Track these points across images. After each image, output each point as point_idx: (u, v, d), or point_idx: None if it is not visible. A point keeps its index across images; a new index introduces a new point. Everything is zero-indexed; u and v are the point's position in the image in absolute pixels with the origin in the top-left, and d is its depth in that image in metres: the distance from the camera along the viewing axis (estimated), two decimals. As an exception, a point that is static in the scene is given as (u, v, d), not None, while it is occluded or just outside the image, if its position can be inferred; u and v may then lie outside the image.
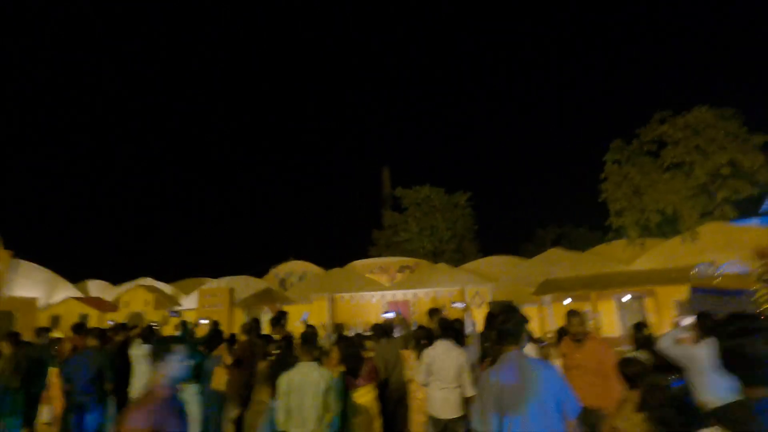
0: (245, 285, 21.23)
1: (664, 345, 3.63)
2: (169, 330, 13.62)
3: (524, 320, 2.37)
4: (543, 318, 16.34)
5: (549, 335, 9.91)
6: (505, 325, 2.29)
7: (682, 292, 14.07)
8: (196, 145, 78.09)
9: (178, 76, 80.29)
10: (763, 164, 15.62)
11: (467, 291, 18.69)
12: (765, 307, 5.49)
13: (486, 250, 25.01)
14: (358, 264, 21.78)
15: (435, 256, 24.98)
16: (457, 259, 24.16)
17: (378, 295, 19.58)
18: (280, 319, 4.61)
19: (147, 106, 77.50)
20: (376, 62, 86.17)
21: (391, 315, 7.17)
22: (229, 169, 76.49)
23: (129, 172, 70.59)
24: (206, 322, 7.35)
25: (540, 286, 16.87)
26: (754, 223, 16.75)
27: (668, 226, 17.87)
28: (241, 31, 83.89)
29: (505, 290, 18.34)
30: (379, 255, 25.18)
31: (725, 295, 6.11)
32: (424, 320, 6.54)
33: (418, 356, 4.20)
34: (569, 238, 28.34)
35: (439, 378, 3.70)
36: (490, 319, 3.99)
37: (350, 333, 8.66)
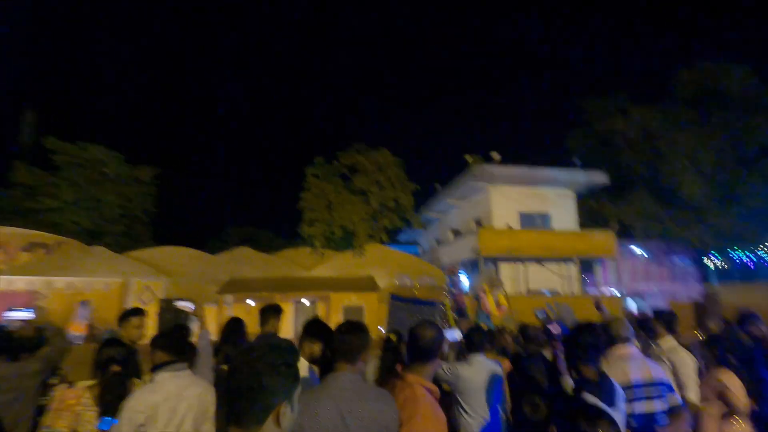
0: None
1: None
2: None
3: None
4: (222, 318, 15.07)
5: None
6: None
7: (350, 298, 16.15)
8: None
9: None
10: (412, 205, 20.39)
11: (133, 284, 15.11)
12: (450, 314, 6.38)
13: (163, 239, 21.45)
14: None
15: (93, 237, 19.31)
16: (124, 245, 19.54)
17: (-23, 279, 13.03)
18: None
19: None
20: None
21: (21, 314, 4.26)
22: None
23: None
24: None
25: (225, 285, 15.59)
26: (395, 248, 21.74)
27: (343, 241, 20.54)
28: None
29: (184, 286, 15.95)
30: (-6, 223, 17.05)
31: (420, 304, 6.83)
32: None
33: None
34: (256, 239, 28.42)
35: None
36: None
37: None
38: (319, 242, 19.12)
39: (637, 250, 18.83)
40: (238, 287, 15.49)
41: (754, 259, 17.86)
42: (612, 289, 17.59)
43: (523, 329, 4.00)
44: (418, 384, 1.93)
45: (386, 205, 20.35)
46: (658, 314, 3.67)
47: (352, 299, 15.87)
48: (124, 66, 64.36)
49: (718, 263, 19.43)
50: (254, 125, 75.50)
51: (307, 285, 16.31)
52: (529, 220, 17.56)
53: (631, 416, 2.31)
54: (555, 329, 4.98)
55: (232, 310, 15.60)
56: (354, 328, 2.06)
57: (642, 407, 2.37)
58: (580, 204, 18.27)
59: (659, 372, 2.49)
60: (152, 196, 23.76)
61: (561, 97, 63.74)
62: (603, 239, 16.61)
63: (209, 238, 28.93)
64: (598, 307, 5.98)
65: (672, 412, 2.40)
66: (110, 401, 2.46)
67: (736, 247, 17.61)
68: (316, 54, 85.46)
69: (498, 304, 5.75)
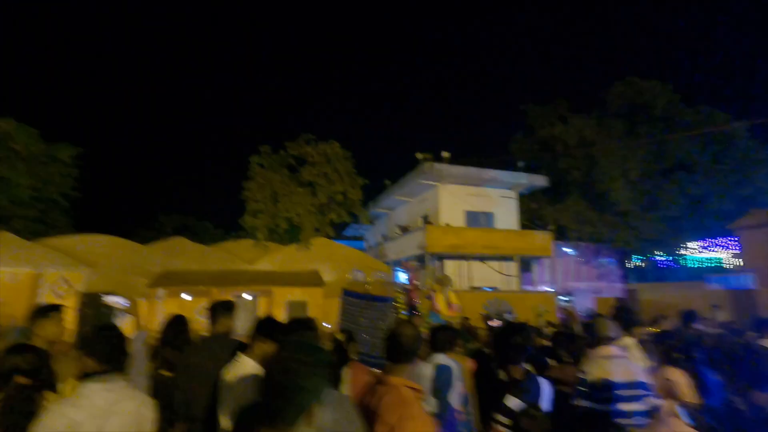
0: None
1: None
2: None
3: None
4: (153, 313, 13.93)
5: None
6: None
7: (293, 293, 15.62)
8: None
9: None
10: (360, 199, 20.16)
11: (47, 275, 13.50)
12: (401, 311, 6.27)
13: (85, 227, 19.48)
14: None
15: (-1, 221, 17.06)
16: (38, 231, 17.47)
17: None
18: None
19: None
20: None
21: None
22: None
23: None
24: None
25: (158, 278, 14.44)
26: (340, 243, 21.41)
27: (288, 234, 19.86)
28: None
29: (108, 278, 14.52)
30: None
31: (374, 300, 6.66)
32: None
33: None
34: (193, 230, 26.70)
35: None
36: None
37: None
38: (262, 234, 18.31)
39: (568, 250, 20.08)
40: (172, 280, 14.40)
41: (669, 261, 19.73)
42: (547, 287, 18.60)
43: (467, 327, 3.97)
44: (403, 386, 1.83)
45: (334, 199, 19.93)
46: (618, 313, 3.77)
47: (296, 294, 15.37)
48: (41, 32, 57.67)
49: (638, 264, 21.24)
50: (193, 107, 71.14)
51: (248, 279, 15.54)
52: (474, 219, 18.03)
53: (612, 416, 2.30)
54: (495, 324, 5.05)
55: (164, 306, 14.49)
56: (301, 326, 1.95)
57: (624, 407, 2.37)
58: (520, 205, 19.08)
59: (640, 373, 2.51)
60: (73, 179, 21.40)
61: (506, 102, 66.52)
62: (542, 239, 17.47)
63: (138, 227, 26.76)
64: (569, 315, 6.29)
65: (652, 413, 2.43)
66: (15, 421, 2.00)
67: (655, 250, 19.32)
68: (267, 38, 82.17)
69: (449, 304, 5.70)
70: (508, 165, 18.70)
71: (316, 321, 2.78)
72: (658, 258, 19.59)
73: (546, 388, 2.30)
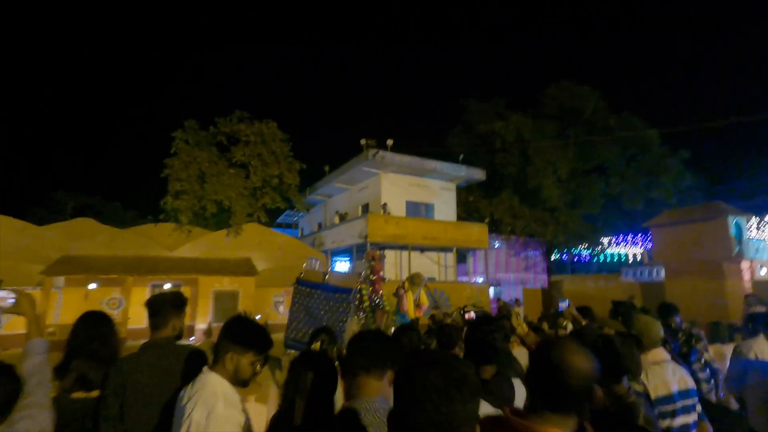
0: None
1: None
2: None
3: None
4: (49, 306, 11.92)
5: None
6: None
7: (221, 282, 14.33)
8: None
9: None
10: (297, 185, 19.10)
11: None
12: (366, 304, 5.72)
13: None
14: None
15: None
16: None
17: None
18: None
19: None
20: None
21: None
22: None
23: None
24: None
25: (55, 264, 12.40)
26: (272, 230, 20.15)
27: (216, 218, 18.25)
28: None
29: (-10, 264, 12.14)
30: None
31: (334, 292, 6.02)
32: None
33: None
34: (98, 210, 23.59)
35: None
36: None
37: None
38: (186, 218, 16.57)
39: (497, 243, 20.87)
40: (74, 267, 12.42)
41: (588, 255, 21.35)
42: (480, 277, 19.15)
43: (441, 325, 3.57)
44: None
45: (269, 182, 18.65)
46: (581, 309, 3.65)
47: (225, 284, 14.13)
48: None
49: (560, 257, 22.73)
50: (101, 67, 63.15)
51: (169, 267, 13.94)
52: (414, 209, 17.92)
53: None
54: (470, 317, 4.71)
55: (63, 296, 12.49)
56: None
57: (682, 421, 2.05)
58: (458, 197, 19.37)
59: (690, 379, 2.21)
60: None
61: (443, 96, 67.88)
62: (478, 231, 17.87)
63: (32, 205, 23.06)
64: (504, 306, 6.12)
65: (698, 422, 2.14)
66: None
67: (577, 245, 20.77)
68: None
69: (418, 305, 5.24)
70: (447, 158, 18.83)
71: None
72: (578, 252, 21.11)
73: (522, 390, 2.05)
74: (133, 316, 13.12)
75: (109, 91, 60.70)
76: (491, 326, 2.22)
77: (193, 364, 1.93)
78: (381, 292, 6.17)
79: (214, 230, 17.31)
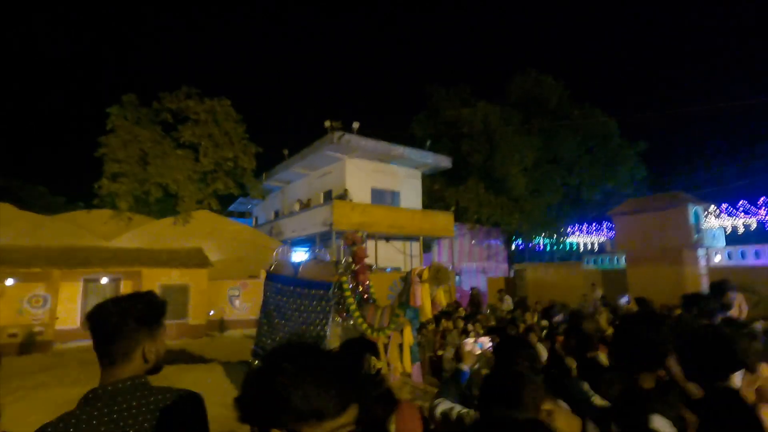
0: None
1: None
2: None
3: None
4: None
5: None
6: None
7: (169, 275, 12.82)
8: None
9: None
10: (253, 169, 17.67)
11: None
12: (350, 300, 4.88)
13: None
14: None
15: None
16: None
17: None
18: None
19: None
20: None
21: None
22: None
23: None
24: None
25: (-39, 256, 10.42)
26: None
27: (160, 204, 16.49)
28: None
29: None
30: None
31: (309, 287, 5.12)
32: None
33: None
34: (16, 194, 20.69)
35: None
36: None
37: None
38: (125, 203, 14.77)
39: (460, 232, 20.65)
40: (-15, 260, 10.50)
41: (550, 243, 21.65)
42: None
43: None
44: None
45: (221, 166, 17.08)
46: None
47: (174, 277, 12.64)
48: None
49: (521, 245, 22.93)
50: (22, 29, 56.13)
51: (105, 258, 12.24)
52: (379, 197, 17.15)
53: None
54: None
55: (-29, 294, 10.55)
56: None
57: None
58: (423, 185, 18.83)
59: None
60: None
61: (406, 81, 66.69)
62: (444, 220, 17.44)
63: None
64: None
65: None
66: None
67: (539, 233, 20.96)
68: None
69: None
70: (412, 144, 18.19)
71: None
72: (539, 240, 21.37)
73: None
74: (62, 316, 11.40)
75: (34, 59, 54.04)
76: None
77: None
78: (368, 282, 5.35)
79: (158, 218, 15.60)
